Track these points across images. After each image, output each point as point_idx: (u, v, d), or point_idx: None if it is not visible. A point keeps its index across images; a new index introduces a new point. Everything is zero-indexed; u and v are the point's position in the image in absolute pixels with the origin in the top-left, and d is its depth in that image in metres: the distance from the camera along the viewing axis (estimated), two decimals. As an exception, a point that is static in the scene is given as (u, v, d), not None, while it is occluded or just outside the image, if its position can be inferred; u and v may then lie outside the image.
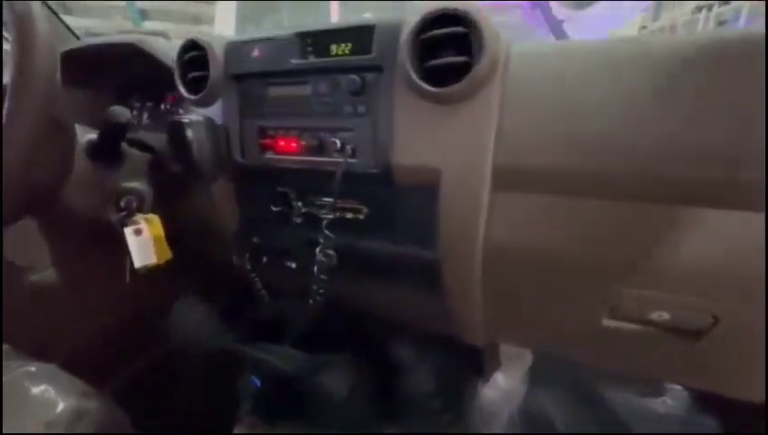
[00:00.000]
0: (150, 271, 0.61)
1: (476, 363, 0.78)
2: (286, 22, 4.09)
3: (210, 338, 0.65)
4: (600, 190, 0.40)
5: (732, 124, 0.34)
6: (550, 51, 0.42)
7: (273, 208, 0.58)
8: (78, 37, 0.86)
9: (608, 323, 0.47)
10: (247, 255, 0.60)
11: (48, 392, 0.58)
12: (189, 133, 0.50)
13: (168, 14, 14.10)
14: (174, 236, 0.62)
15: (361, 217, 0.53)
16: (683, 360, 0.46)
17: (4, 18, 0.47)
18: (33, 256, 0.78)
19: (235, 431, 0.70)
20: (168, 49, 0.63)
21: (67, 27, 0.86)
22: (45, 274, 0.85)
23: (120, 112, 0.52)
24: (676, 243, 0.38)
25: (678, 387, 0.93)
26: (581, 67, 0.39)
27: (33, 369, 0.64)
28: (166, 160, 0.63)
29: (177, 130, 0.50)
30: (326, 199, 0.55)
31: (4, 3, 0.45)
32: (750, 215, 0.35)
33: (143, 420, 0.60)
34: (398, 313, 0.63)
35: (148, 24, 13.17)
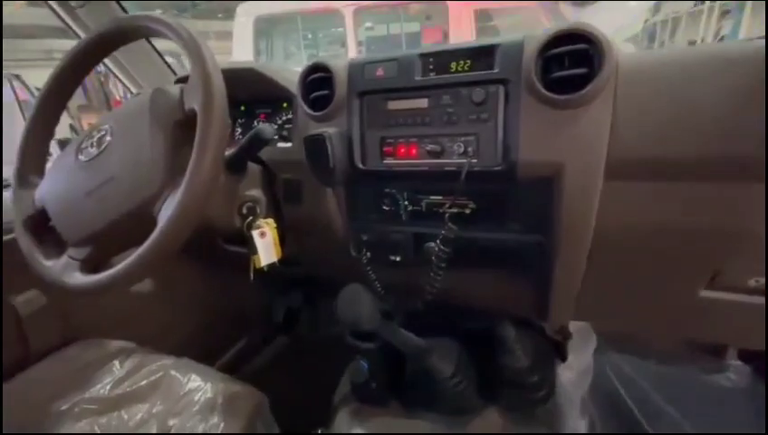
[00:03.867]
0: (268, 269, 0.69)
1: (558, 345, 0.84)
2: (300, 34, 4.20)
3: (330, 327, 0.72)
4: (698, 174, 0.47)
5: None
6: (651, 57, 0.49)
7: (385, 208, 0.66)
8: (175, 72, 0.96)
9: (706, 293, 0.53)
10: (365, 251, 0.67)
11: (195, 380, 0.66)
12: (329, 145, 0.57)
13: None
14: (280, 237, 0.70)
15: (467, 211, 0.60)
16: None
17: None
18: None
19: (339, 417, 0.77)
20: (278, 70, 0.71)
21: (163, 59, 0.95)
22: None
23: (267, 130, 0.60)
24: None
25: (739, 362, 0.98)
26: (680, 70, 0.46)
27: (168, 361, 0.72)
28: (275, 172, 0.71)
29: (316, 143, 0.58)
30: (434, 198, 0.62)
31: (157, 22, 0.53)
32: None
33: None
34: (497, 299, 0.70)
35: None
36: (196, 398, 0.62)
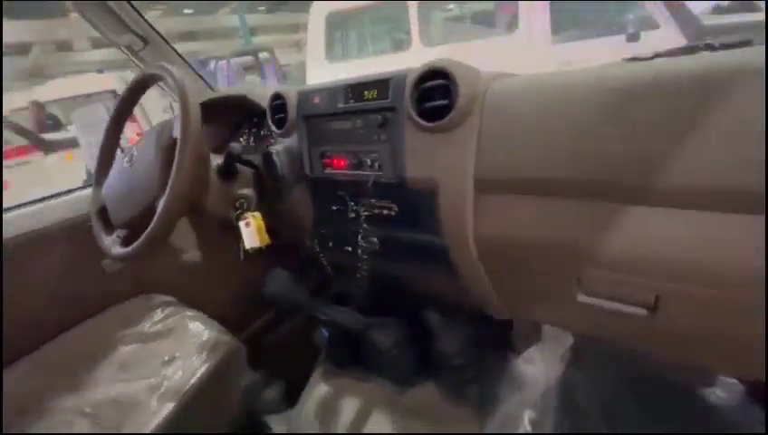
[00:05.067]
0: (257, 252, 0.88)
1: (506, 337, 0.91)
2: (368, 29, 4.36)
3: (297, 302, 0.91)
4: (559, 191, 0.52)
5: (640, 144, 0.44)
6: (519, 86, 0.54)
7: (333, 208, 0.80)
8: (212, 88, 1.20)
9: (582, 298, 0.58)
10: (316, 241, 0.83)
11: (199, 327, 0.90)
12: (275, 158, 0.74)
13: (271, 28, 15.82)
14: (271, 227, 0.88)
15: (393, 213, 0.71)
16: (643, 330, 0.54)
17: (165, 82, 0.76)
18: (185, 241, 1.15)
19: (314, 375, 0.95)
20: (264, 96, 0.89)
21: (202, 78, 1.21)
22: (193, 253, 1.22)
23: (235, 148, 0.79)
24: (623, 233, 0.49)
25: (733, 380, 0.91)
26: (540, 99, 0.51)
27: (190, 313, 0.98)
28: (263, 174, 0.90)
29: (268, 157, 0.75)
30: (370, 200, 0.75)
31: (164, 70, 0.74)
32: (677, 211, 0.44)
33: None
34: (427, 287, 0.80)
35: (257, 40, 14.97)
36: (195, 341, 0.86)
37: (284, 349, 1.18)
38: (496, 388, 0.86)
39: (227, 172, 0.87)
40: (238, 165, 0.89)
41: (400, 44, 4.07)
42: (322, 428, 0.85)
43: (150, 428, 0.68)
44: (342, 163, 0.71)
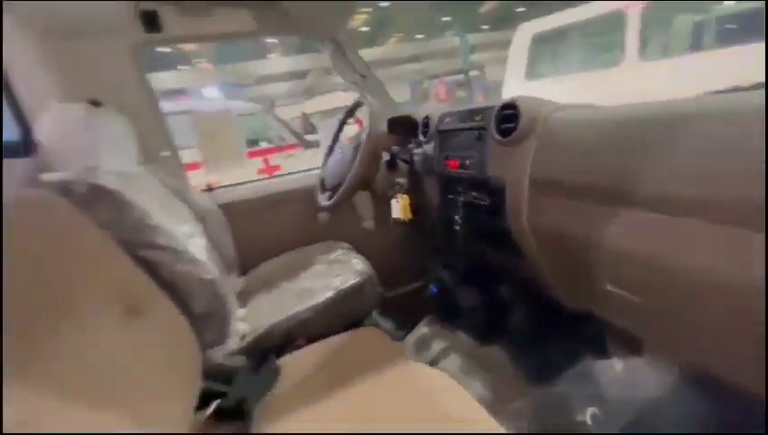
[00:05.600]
0: (402, 223, 1.28)
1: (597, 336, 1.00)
2: (576, 45, 4.21)
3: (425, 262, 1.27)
4: (590, 196, 0.68)
5: (650, 162, 0.58)
6: (572, 117, 0.73)
7: (449, 196, 1.11)
8: (395, 105, 1.70)
9: (610, 287, 0.70)
10: (438, 218, 1.17)
11: (356, 260, 1.37)
12: (417, 158, 1.12)
13: (491, 45, 16.47)
14: (415, 207, 1.27)
15: (479, 202, 0.97)
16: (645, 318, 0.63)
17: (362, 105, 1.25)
18: (361, 209, 1.68)
19: (423, 319, 1.29)
20: (420, 114, 1.28)
21: (393, 100, 1.71)
22: (369, 221, 1.74)
23: (395, 149, 1.21)
24: (618, 234, 0.63)
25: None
26: (581, 128, 0.69)
27: (353, 253, 1.47)
28: (413, 169, 1.29)
29: (414, 156, 1.14)
30: (468, 192, 1.02)
31: (365, 100, 1.22)
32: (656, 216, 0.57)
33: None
34: (505, 265, 1.01)
35: (476, 57, 15.91)
36: (351, 267, 1.33)
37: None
38: (561, 373, 0.98)
39: (391, 165, 1.31)
40: (398, 160, 1.32)
41: (612, 60, 3.79)
42: (417, 356, 1.18)
43: (309, 305, 1.16)
44: (455, 164, 1.02)
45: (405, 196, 1.29)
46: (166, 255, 0.91)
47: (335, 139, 1.51)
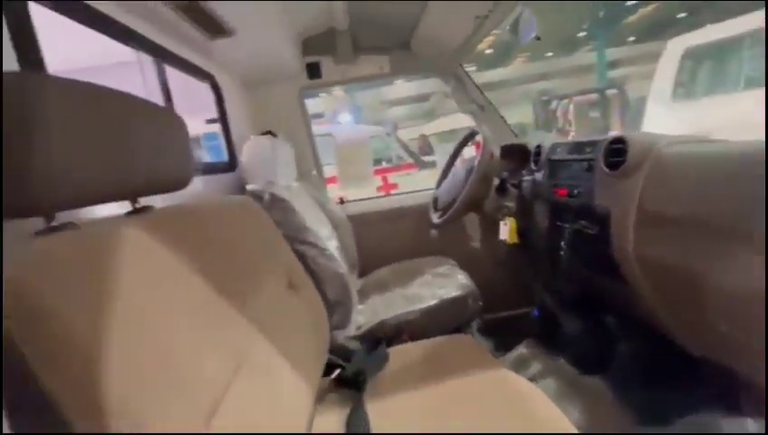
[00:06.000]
0: (508, 245, 1.36)
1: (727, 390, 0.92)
2: (735, 62, 3.54)
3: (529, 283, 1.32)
4: (703, 233, 0.69)
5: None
6: (682, 152, 0.74)
7: (557, 223, 1.15)
8: (516, 135, 1.77)
9: (725, 328, 0.68)
10: (545, 244, 1.22)
11: (460, 275, 1.49)
12: (524, 185, 1.19)
13: (636, 59, 14.67)
14: (521, 230, 1.34)
15: (590, 231, 1.00)
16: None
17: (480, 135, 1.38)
18: (471, 231, 1.78)
19: (521, 347, 1.33)
20: (532, 143, 1.34)
21: (509, 128, 1.79)
22: (476, 241, 1.84)
23: (504, 174, 1.31)
24: (733, 273, 0.63)
25: None
26: (688, 164, 0.71)
27: (458, 269, 1.58)
28: (522, 194, 1.36)
29: (525, 183, 1.21)
30: (577, 220, 1.06)
31: (479, 129, 1.35)
32: None
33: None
34: (612, 297, 1.00)
35: (616, 73, 14.38)
36: (455, 281, 1.45)
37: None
38: (676, 421, 0.92)
39: (501, 189, 1.40)
40: (508, 185, 1.41)
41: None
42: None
43: (415, 308, 1.31)
44: (563, 192, 1.07)
45: (512, 219, 1.36)
46: (313, 250, 1.19)
47: (450, 163, 1.66)
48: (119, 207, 0.62)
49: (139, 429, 0.36)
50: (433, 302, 1.35)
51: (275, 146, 1.31)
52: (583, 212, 0.98)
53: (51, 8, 0.64)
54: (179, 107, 1.18)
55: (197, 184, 1.15)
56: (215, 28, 1.00)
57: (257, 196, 1.13)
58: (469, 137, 1.55)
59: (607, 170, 0.87)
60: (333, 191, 2.04)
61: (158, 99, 1.14)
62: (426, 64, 1.70)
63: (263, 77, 1.56)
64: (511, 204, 1.39)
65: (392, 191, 6.07)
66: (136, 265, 0.47)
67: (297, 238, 1.16)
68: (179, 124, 0.65)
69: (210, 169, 1.26)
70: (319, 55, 1.64)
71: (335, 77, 1.67)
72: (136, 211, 0.62)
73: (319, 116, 13.79)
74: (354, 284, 1.63)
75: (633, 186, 0.81)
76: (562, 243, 1.06)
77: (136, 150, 0.54)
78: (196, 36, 1.04)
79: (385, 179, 6.06)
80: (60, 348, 0.33)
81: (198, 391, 0.48)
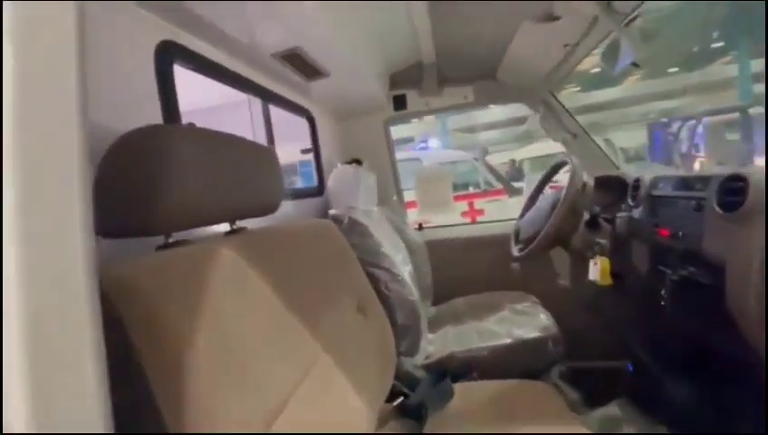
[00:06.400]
0: (598, 287, 1.22)
1: None
2: None
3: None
4: None
5: None
6: None
7: (659, 267, 1.01)
8: (617, 167, 1.61)
9: None
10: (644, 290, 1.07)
11: (542, 315, 1.37)
12: (618, 221, 1.07)
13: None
14: (614, 272, 1.19)
15: (700, 280, 0.85)
16: None
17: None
18: (558, 268, 1.64)
19: (611, 406, 1.17)
20: (631, 175, 1.20)
21: (608, 157, 1.63)
22: (562, 280, 1.69)
23: (595, 209, 1.19)
24: None
25: None
26: None
27: (541, 309, 1.46)
28: (614, 230, 1.21)
29: (620, 220, 1.09)
30: (685, 267, 0.91)
31: (568, 159, 1.26)
32: None
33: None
34: (722, 353, 0.82)
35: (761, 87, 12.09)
36: (535, 321, 1.34)
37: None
38: None
39: (591, 224, 1.28)
40: (602, 220, 1.27)
41: None
42: None
43: (488, 345, 1.24)
44: (666, 233, 0.94)
45: (604, 259, 1.22)
46: (386, 275, 1.23)
47: (536, 193, 1.58)
48: (221, 226, 0.74)
49: (208, 422, 0.42)
50: (508, 340, 1.27)
51: (358, 174, 1.40)
52: (690, 258, 0.85)
53: (185, 66, 0.81)
54: (279, 137, 1.36)
55: (288, 207, 1.29)
56: (313, 72, 1.13)
57: (338, 220, 1.22)
58: (558, 166, 1.46)
59: (721, 212, 0.74)
60: (415, 215, 2.07)
61: (262, 131, 1.33)
62: (511, 93, 1.66)
63: (352, 110, 1.70)
64: (603, 241, 1.26)
65: (478, 217, 5.89)
66: (228, 278, 0.56)
67: (372, 262, 1.21)
68: (272, 158, 0.76)
69: (300, 194, 1.41)
70: (405, 87, 1.72)
71: (419, 108, 1.74)
72: (233, 232, 0.74)
73: (409, 140, 14.21)
74: (427, 311, 1.62)
75: (754, 231, 0.67)
76: (664, 291, 0.92)
77: (235, 181, 0.65)
78: (296, 79, 1.19)
79: (471, 205, 5.93)
80: (161, 345, 0.41)
81: (265, 394, 0.53)
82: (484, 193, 5.96)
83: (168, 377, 0.40)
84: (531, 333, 1.30)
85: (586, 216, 1.29)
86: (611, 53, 0.97)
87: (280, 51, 0.95)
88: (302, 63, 1.05)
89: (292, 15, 0.82)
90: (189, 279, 0.49)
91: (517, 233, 1.54)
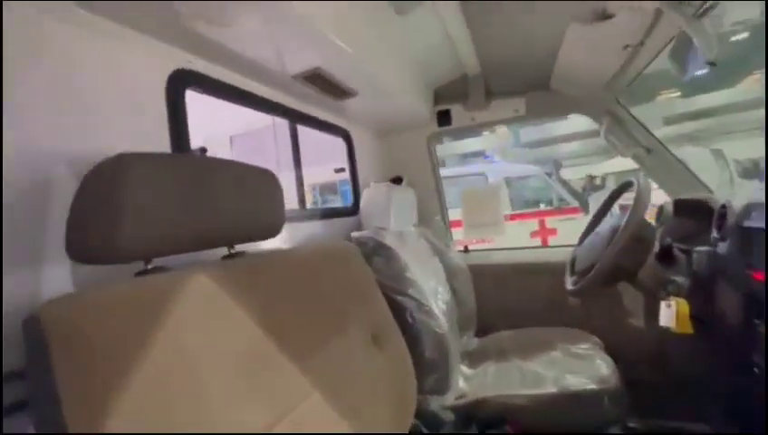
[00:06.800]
0: (673, 335, 0.99)
1: None
2: None
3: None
4: None
5: None
6: None
7: (752, 320, 0.78)
8: (710, 190, 1.32)
9: None
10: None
11: (602, 361, 1.16)
12: (695, 256, 0.86)
13: None
14: (695, 318, 0.96)
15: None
16: None
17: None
18: (628, 306, 1.39)
19: None
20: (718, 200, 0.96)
21: (695, 177, 1.35)
22: (630, 321, 1.42)
23: (667, 240, 0.97)
24: None
25: None
26: None
27: (600, 353, 1.24)
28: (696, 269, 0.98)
29: (699, 254, 0.88)
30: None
31: (635, 180, 1.05)
32: None
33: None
34: None
35: None
36: (595, 369, 1.13)
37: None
38: None
39: (664, 257, 1.05)
40: (678, 253, 1.04)
41: None
42: None
43: (530, 394, 1.07)
44: (760, 276, 0.72)
45: (682, 301, 0.99)
46: (411, 302, 1.14)
47: (598, 217, 1.36)
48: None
49: None
50: (554, 389, 1.09)
51: (390, 193, 1.34)
52: None
53: (201, 92, 0.84)
54: (317, 155, 1.37)
55: (318, 227, 1.28)
56: (339, 92, 1.12)
57: (362, 242, 1.17)
58: (624, 186, 1.24)
59: None
60: (461, 234, 1.93)
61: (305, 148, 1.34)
62: (568, 103, 1.47)
63: (394, 127, 1.65)
64: (680, 279, 1.02)
65: (550, 237, 5.40)
66: (192, 308, 0.54)
67: (396, 289, 1.14)
68: (273, 182, 0.74)
69: (334, 214, 1.39)
70: (451, 102, 1.63)
71: (465, 123, 1.63)
72: (231, 256, 0.72)
73: (479, 154, 13.77)
74: (464, 344, 1.48)
75: None
76: (756, 356, 0.70)
77: (224, 207, 0.63)
78: (329, 99, 1.18)
79: (542, 223, 5.48)
80: (82, 383, 0.39)
81: None
82: (558, 211, 5.47)
83: (84, 416, 0.38)
84: (584, 383, 1.10)
85: (657, 247, 1.07)
86: (679, 53, 0.79)
87: (300, 72, 0.95)
88: (325, 84, 1.04)
89: (305, 36, 0.80)
90: (140, 309, 0.47)
91: (573, 262, 1.34)
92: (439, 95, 1.65)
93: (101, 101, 0.65)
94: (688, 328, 0.96)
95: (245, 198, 0.68)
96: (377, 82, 1.12)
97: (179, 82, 0.76)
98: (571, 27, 0.96)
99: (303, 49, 0.86)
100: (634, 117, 1.38)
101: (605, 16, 0.87)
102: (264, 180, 0.72)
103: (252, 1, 0.65)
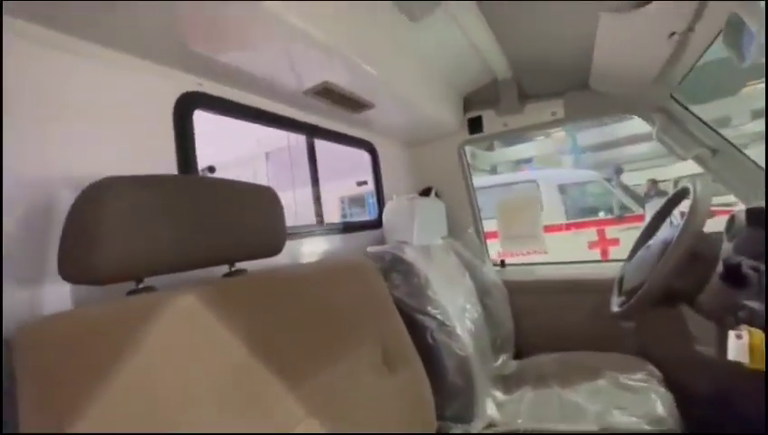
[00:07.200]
0: (746, 370, 0.83)
1: None
2: None
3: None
4: None
5: None
6: None
7: None
8: None
9: None
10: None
11: (657, 396, 1.00)
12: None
13: None
14: None
15: None
16: None
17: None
18: (692, 329, 1.19)
19: None
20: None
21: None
22: (696, 349, 1.22)
23: (732, 257, 0.81)
24: None
25: None
26: None
27: (657, 386, 1.07)
28: None
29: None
30: None
31: (691, 188, 0.89)
32: None
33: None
34: None
35: None
36: (649, 407, 0.97)
37: None
38: None
39: (732, 277, 0.88)
40: (751, 273, 0.87)
41: None
42: None
43: (567, 431, 0.95)
44: None
45: (756, 332, 0.82)
46: (432, 322, 1.07)
47: (651, 228, 1.20)
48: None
49: None
50: (596, 428, 0.95)
51: (414, 206, 1.29)
52: None
53: (210, 112, 0.86)
54: (341, 169, 1.37)
55: (338, 241, 1.26)
56: (355, 104, 1.10)
57: (378, 257, 1.13)
58: (681, 194, 1.08)
59: None
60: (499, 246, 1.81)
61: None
62: (612, 102, 1.33)
63: (422, 136, 1.60)
64: (755, 304, 0.85)
65: (611, 248, 4.92)
66: (178, 329, 0.53)
67: (416, 307, 1.08)
68: (272, 199, 0.73)
69: (355, 227, 1.36)
70: (483, 108, 1.55)
71: (497, 129, 1.54)
72: (231, 274, 0.72)
73: (527, 161, 13.13)
74: (503, 366, 1.37)
75: None
76: None
77: (218, 225, 0.63)
78: (347, 112, 1.17)
79: (602, 233, 5.05)
80: (43, 412, 0.39)
81: None
82: (620, 220, 4.99)
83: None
84: (634, 422, 0.95)
85: (720, 265, 0.91)
86: (733, 36, 0.66)
87: (311, 87, 0.95)
88: (338, 97, 1.02)
89: (307, 52, 0.80)
90: (112, 334, 0.47)
91: (621, 280, 1.19)
92: (470, 101, 1.57)
93: (111, 126, 0.69)
94: (761, 364, 0.79)
95: (242, 215, 0.67)
96: (395, 92, 1.09)
97: (187, 104, 0.78)
98: (602, 19, 0.85)
99: (308, 64, 0.86)
100: (693, 113, 1.20)
101: (639, 3, 0.76)
102: (264, 198, 0.72)
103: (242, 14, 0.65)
